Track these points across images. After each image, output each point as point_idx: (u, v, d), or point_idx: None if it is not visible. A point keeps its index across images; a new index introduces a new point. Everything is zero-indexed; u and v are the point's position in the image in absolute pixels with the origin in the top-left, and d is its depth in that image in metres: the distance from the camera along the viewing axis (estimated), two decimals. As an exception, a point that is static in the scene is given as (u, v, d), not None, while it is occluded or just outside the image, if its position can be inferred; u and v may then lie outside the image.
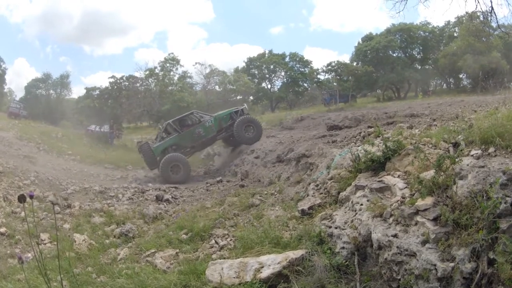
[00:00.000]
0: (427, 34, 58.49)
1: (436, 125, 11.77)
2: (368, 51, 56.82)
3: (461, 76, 55.46)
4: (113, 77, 49.18)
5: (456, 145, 6.79)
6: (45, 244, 10.28)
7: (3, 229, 10.79)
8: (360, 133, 14.19)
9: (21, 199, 3.96)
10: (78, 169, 22.33)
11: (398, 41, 57.61)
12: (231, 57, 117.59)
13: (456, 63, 46.72)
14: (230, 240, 8.85)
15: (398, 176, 7.23)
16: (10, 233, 10.70)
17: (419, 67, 59.27)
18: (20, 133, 30.68)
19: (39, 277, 6.97)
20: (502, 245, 4.54)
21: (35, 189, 14.64)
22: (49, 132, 37.06)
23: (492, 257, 4.65)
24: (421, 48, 58.74)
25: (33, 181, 15.72)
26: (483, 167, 5.45)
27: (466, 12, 35.86)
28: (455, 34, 54.99)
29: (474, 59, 44.15)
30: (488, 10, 15.80)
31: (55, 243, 10.09)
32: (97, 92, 51.12)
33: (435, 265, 5.03)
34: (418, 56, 60.11)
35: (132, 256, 8.96)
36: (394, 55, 58.27)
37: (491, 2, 15.45)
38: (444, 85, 63.06)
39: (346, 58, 66.76)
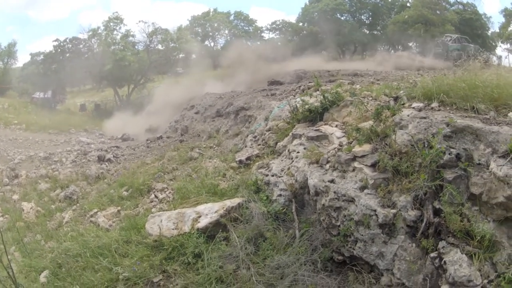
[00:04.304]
0: (378, 1, 57.76)
1: (379, 84, 11.43)
2: (316, 13, 55.60)
3: (410, 44, 55.64)
4: (56, 40, 46.16)
5: (396, 99, 6.45)
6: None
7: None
8: (300, 86, 13.76)
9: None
10: (24, 137, 21.09)
11: (347, 5, 56.92)
12: (176, 15, 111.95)
13: (406, 31, 46.69)
14: (169, 193, 8.35)
15: (336, 126, 6.84)
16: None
17: (367, 32, 58.86)
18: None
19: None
20: (448, 195, 4.21)
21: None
22: (-5, 103, 34.72)
23: (438, 207, 4.32)
24: (370, 13, 57.99)
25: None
26: (425, 118, 5.08)
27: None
28: (408, 4, 54.65)
29: (425, 29, 44.30)
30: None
31: (7, 216, 9.57)
32: (41, 57, 48.41)
33: (375, 210, 4.67)
34: (366, 21, 59.49)
35: (76, 218, 8.52)
36: (342, 18, 57.63)
37: None
38: (392, 51, 63.47)
39: (293, 19, 65.30)
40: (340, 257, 5.20)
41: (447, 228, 4.17)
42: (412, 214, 4.44)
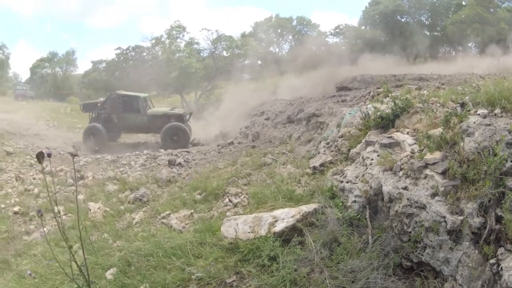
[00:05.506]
0: (435, 0, 56.27)
1: (444, 88, 11.38)
2: (377, 15, 54.66)
3: (469, 45, 53.42)
4: (119, 48, 49.04)
5: (463, 105, 6.55)
6: (60, 217, 10.15)
7: (16, 208, 10.85)
8: (369, 92, 13.84)
9: (39, 157, 3.69)
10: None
11: (406, 6, 55.54)
12: (235, 21, 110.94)
13: (465, 31, 45.04)
14: (244, 197, 8.73)
15: (407, 133, 7.02)
16: (24, 211, 10.72)
17: (428, 33, 57.14)
18: (28, 114, 29.41)
19: (54, 249, 6.97)
20: (509, 202, 4.35)
21: (47, 164, 14.32)
22: (57, 108, 36.47)
23: (500, 214, 4.47)
24: (429, 14, 56.39)
25: (45, 158, 15.34)
26: (489, 125, 5.25)
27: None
28: (463, 3, 52.74)
29: (482, 28, 42.53)
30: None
31: (70, 214, 9.99)
32: (104, 64, 50.73)
33: (444, 217, 4.88)
34: (426, 22, 57.80)
35: (147, 219, 8.86)
36: (403, 20, 56.36)
37: None
38: (453, 52, 61.15)
39: (356, 22, 64.50)
40: (408, 263, 5.43)
41: (506, 235, 4.32)
42: (477, 221, 4.60)
